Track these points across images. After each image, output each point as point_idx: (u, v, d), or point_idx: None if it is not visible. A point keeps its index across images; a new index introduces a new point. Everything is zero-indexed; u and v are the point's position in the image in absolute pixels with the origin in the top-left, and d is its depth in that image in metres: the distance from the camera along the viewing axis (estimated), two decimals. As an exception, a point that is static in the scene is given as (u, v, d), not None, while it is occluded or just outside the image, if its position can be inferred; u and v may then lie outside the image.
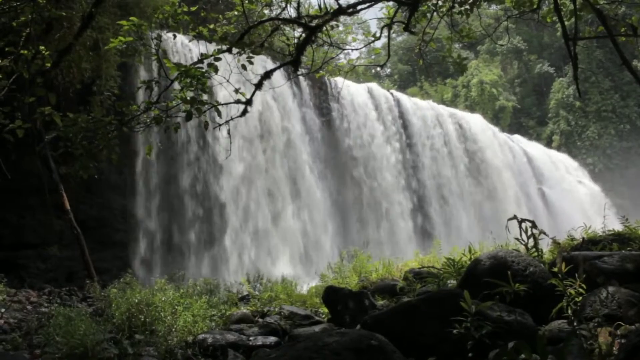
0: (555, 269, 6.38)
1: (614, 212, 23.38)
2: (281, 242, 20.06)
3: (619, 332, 5.02)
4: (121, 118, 7.10)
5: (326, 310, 9.12)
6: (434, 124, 30.27)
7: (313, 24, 7.99)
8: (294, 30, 9.34)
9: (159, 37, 7.23)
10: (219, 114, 6.96)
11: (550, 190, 34.73)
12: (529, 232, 8.27)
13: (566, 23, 8.09)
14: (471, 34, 9.92)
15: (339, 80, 23.47)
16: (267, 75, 8.01)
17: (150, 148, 8.07)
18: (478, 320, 4.86)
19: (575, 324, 5.51)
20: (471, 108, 46.16)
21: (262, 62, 19.06)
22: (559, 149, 44.48)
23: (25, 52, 6.84)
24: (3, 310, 10.34)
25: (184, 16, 7.68)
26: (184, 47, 19.67)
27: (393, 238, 24.54)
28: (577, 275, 5.99)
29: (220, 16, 9.29)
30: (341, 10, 8.12)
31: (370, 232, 23.37)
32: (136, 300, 8.63)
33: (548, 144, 45.36)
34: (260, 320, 9.20)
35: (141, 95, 15.22)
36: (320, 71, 9.79)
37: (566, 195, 35.02)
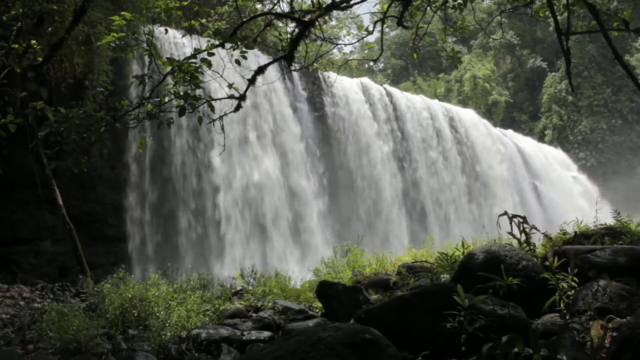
0: (548, 263, 6.43)
1: (606, 206, 23.52)
2: (274, 237, 20.05)
3: (611, 325, 5.06)
4: (114, 113, 7.07)
5: (320, 304, 9.14)
6: (427, 119, 30.30)
7: (306, 18, 7.98)
8: (286, 25, 9.33)
9: (152, 33, 7.19)
10: (212, 109, 6.95)
11: (542, 184, 34.88)
12: (521, 227, 8.32)
13: (559, 18, 8.11)
14: (464, 28, 9.93)
15: (332, 75, 23.45)
16: (261, 70, 8.00)
17: (142, 143, 8.04)
18: (471, 314, 4.87)
19: (567, 317, 5.55)
20: (464, 103, 46.25)
21: (256, 57, 19.01)
22: (551, 143, 44.64)
23: (17, 46, 6.79)
24: (-5, 306, 10.30)
25: (176, 11, 7.64)
26: (177, 43, 19.58)
27: (386, 232, 24.60)
28: (569, 269, 6.02)
29: (212, 11, 9.25)
30: (334, 5, 8.11)
31: (363, 227, 23.39)
32: (129, 296, 8.63)
33: (540, 138, 45.51)
34: (254, 315, 9.20)
35: (134, 90, 15.19)
36: (314, 65, 9.78)
37: (558, 190, 35.19)
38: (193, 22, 7.93)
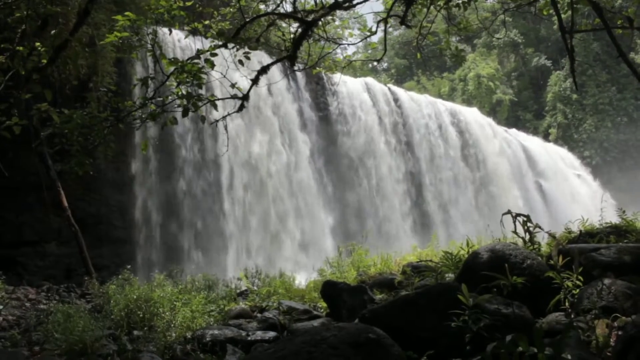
0: (553, 262, 6.41)
1: (611, 204, 23.45)
2: (279, 237, 20.06)
3: (616, 324, 5.05)
4: (117, 114, 7.09)
5: (325, 304, 9.14)
6: (431, 118, 30.26)
7: (309, 18, 7.98)
8: (290, 25, 9.33)
9: (155, 33, 7.21)
10: (216, 108, 6.96)
11: (547, 183, 34.78)
12: (525, 226, 8.30)
13: (563, 16, 8.09)
14: (468, 27, 9.92)
15: (336, 75, 23.45)
16: (264, 70, 8.00)
17: (145, 144, 8.07)
18: (476, 314, 4.86)
19: (572, 316, 5.54)
20: (468, 102, 46.14)
21: (259, 58, 19.03)
22: (556, 142, 44.48)
23: (21, 48, 6.82)
24: (1, 307, 10.34)
25: (179, 11, 7.66)
26: (181, 45, 19.62)
27: (391, 232, 24.57)
28: (573, 267, 6.01)
29: (216, 12, 9.27)
30: (337, 5, 8.11)
31: (368, 226, 23.37)
32: (135, 297, 8.66)
33: (545, 137, 45.35)
34: (258, 315, 9.22)
35: (138, 91, 15.21)
36: (317, 67, 9.78)
37: (564, 188, 35.08)
38: (196, 24, 7.94)
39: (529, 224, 8.29)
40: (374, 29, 9.59)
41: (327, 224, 22.08)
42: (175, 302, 8.82)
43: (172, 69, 6.69)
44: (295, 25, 8.46)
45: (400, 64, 61.74)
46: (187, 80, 6.67)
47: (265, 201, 20.28)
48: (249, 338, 7.75)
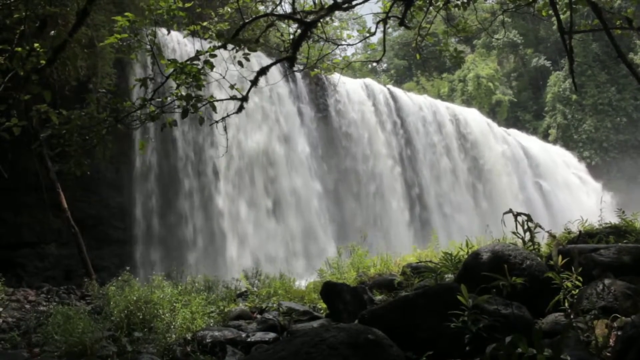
0: (552, 262, 6.40)
1: (611, 205, 23.44)
2: (279, 238, 20.06)
3: (616, 324, 5.04)
4: (116, 115, 7.08)
5: (324, 305, 9.13)
6: (430, 119, 30.29)
7: (308, 19, 7.98)
8: (289, 26, 9.33)
9: (154, 34, 7.20)
10: (215, 110, 6.95)
11: (547, 183, 34.81)
12: (525, 226, 8.30)
13: (562, 16, 8.10)
14: (467, 27, 9.93)
15: (335, 76, 23.46)
16: (263, 71, 8.00)
17: (143, 144, 8.05)
18: (475, 314, 4.86)
19: (572, 316, 5.53)
20: (468, 102, 46.17)
21: (258, 59, 19.03)
22: (555, 142, 44.54)
23: (20, 49, 6.81)
24: (1, 309, 10.33)
25: (178, 12, 7.65)
26: (180, 44, 19.62)
27: (391, 232, 24.57)
28: (573, 268, 6.00)
29: (213, 12, 9.26)
30: (336, 6, 8.11)
31: (367, 227, 23.37)
32: (134, 298, 8.64)
33: (545, 137, 45.40)
34: (258, 316, 9.21)
35: (136, 92, 15.21)
36: (316, 68, 9.77)
37: (563, 189, 35.12)
38: (195, 26, 7.93)
39: (529, 224, 8.28)
40: (373, 30, 9.59)
41: (327, 225, 22.07)
42: (175, 304, 8.81)
43: (171, 70, 6.68)
44: (295, 26, 8.47)
45: (399, 65, 61.77)
46: (187, 81, 6.67)
47: (265, 202, 20.28)
48: (249, 339, 7.74)
